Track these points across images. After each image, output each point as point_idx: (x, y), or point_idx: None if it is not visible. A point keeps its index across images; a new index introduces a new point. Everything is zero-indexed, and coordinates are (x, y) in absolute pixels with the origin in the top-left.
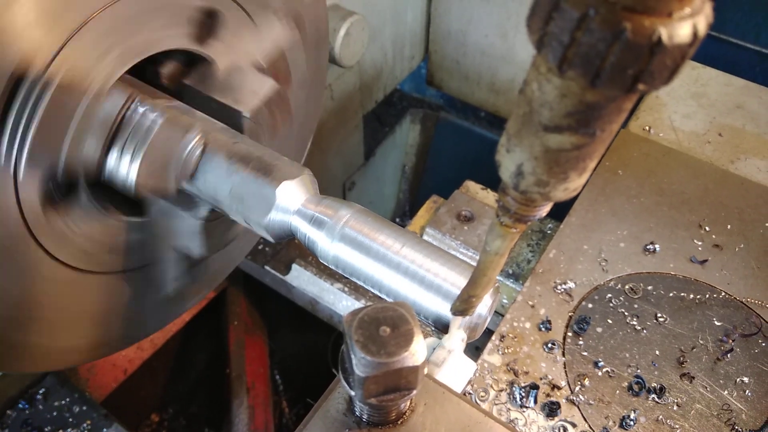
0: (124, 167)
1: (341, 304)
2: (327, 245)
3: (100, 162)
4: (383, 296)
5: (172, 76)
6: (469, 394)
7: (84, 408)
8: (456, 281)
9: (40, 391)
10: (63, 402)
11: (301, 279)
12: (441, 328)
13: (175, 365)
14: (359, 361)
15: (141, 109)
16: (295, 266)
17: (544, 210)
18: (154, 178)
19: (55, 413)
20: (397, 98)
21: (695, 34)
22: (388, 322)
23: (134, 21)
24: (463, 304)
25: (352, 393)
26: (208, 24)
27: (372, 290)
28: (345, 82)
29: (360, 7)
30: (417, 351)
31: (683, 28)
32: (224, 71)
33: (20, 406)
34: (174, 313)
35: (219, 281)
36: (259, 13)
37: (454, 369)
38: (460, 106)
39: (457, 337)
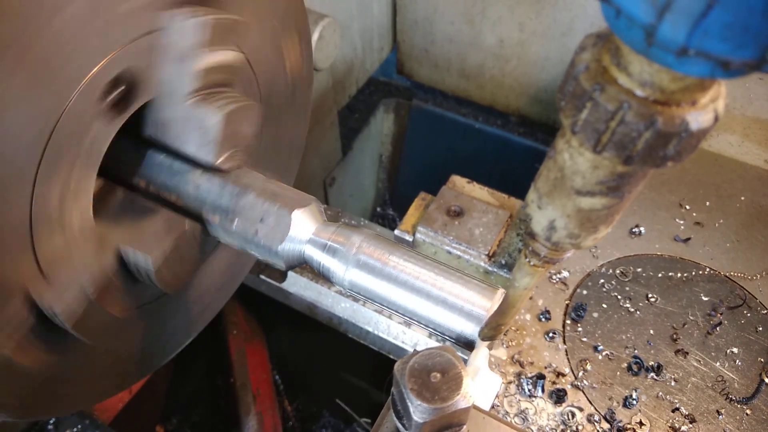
0: (210, 109)
1: (340, 306)
2: (342, 272)
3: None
4: (401, 317)
5: None
6: None
7: None
8: (471, 298)
9: (51, 421)
10: (74, 430)
11: (297, 285)
12: (463, 344)
13: (175, 377)
14: (416, 408)
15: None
16: (290, 273)
17: (571, 252)
18: (228, 135)
19: None
20: (365, 84)
21: (716, 117)
22: (437, 368)
23: None
24: (491, 331)
25: None
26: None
27: (390, 312)
28: (318, 82)
29: (328, 6)
30: (468, 393)
31: (707, 114)
32: None
33: None
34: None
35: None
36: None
37: (483, 385)
38: (428, 89)
39: (482, 355)
